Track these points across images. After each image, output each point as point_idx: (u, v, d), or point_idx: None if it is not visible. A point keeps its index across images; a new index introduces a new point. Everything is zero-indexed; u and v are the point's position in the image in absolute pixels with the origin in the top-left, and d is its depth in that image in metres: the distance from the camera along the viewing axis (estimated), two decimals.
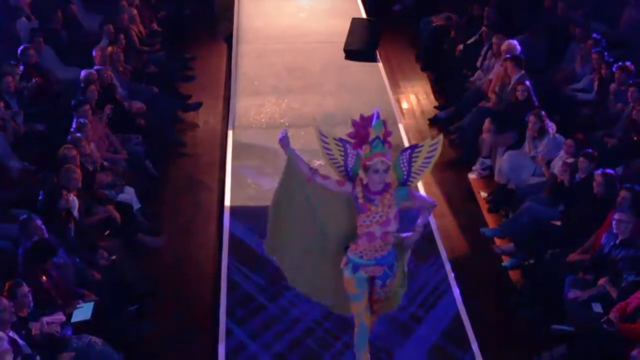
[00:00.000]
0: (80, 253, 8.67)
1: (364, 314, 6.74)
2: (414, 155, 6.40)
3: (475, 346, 7.95)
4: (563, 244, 9.01)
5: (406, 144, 10.98)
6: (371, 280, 6.71)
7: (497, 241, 9.97)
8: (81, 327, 7.71)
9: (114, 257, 8.78)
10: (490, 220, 10.45)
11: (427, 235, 9.83)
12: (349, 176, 6.47)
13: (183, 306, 8.86)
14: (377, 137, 6.20)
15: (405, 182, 6.47)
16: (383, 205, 6.33)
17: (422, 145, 6.43)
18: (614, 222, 8.41)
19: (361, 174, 6.39)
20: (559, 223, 9.41)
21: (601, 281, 8.30)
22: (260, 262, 9.02)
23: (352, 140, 6.36)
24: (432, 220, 10.11)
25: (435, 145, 6.41)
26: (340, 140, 6.42)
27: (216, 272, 9.23)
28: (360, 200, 6.33)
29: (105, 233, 9.26)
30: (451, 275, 8.97)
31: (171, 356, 8.10)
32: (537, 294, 8.67)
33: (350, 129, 6.38)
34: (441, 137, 6.45)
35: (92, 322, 7.78)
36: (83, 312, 7.84)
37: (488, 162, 11.31)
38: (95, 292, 8.14)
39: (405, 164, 6.43)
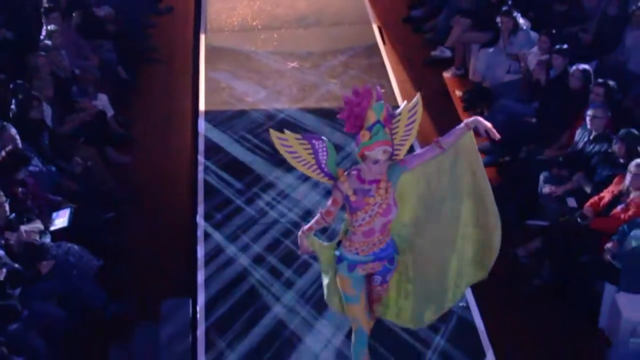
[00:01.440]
0: (55, 161, 8.58)
1: (363, 319, 5.73)
2: (392, 127, 5.33)
3: None
4: (538, 141, 9.00)
5: (381, 48, 10.82)
6: (368, 277, 5.69)
7: None
8: (60, 235, 7.67)
9: (89, 164, 8.68)
10: (466, 118, 10.40)
11: None
12: (328, 174, 5.40)
13: (161, 212, 8.83)
14: (378, 122, 5.12)
15: (390, 156, 5.33)
16: (379, 193, 5.31)
17: (399, 114, 5.40)
18: (587, 118, 8.39)
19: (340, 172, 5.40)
20: (533, 120, 9.39)
21: (575, 176, 8.33)
22: (236, 165, 8.98)
23: (344, 121, 5.26)
24: None
25: (414, 109, 5.40)
26: (304, 137, 5.34)
27: (193, 177, 9.18)
28: (352, 198, 5.31)
29: (80, 141, 9.14)
30: None
31: (152, 261, 8.09)
32: (512, 190, 8.69)
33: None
34: (418, 97, 5.39)
35: (70, 229, 7.74)
36: (61, 219, 7.79)
37: (448, 52, 11.32)
38: (71, 200, 8.08)
39: (388, 131, 5.40)
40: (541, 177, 8.51)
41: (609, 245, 7.33)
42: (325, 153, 5.33)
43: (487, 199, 5.67)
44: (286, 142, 5.31)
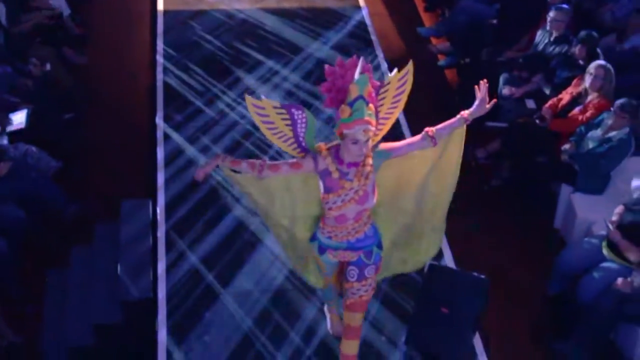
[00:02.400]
0: (11, 61, 8.36)
1: (333, 281, 5.50)
2: (379, 97, 4.77)
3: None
4: (499, 42, 8.94)
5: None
6: (343, 266, 5.26)
7: (434, 40, 9.85)
8: (17, 137, 7.53)
9: (47, 67, 8.47)
10: (427, 19, 10.30)
11: (363, 36, 9.73)
12: (305, 148, 4.85)
13: (120, 113, 8.67)
14: (360, 97, 4.49)
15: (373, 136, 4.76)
16: (359, 178, 4.74)
17: (388, 83, 4.78)
18: (548, 20, 8.32)
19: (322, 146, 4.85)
20: (495, 21, 9.30)
21: (535, 78, 8.32)
22: (196, 67, 8.83)
23: (325, 95, 4.70)
24: (368, 21, 9.96)
25: (404, 78, 4.80)
26: (283, 106, 4.73)
27: (152, 79, 9.02)
28: (334, 175, 4.74)
29: (36, 41, 8.90)
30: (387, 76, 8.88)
31: (110, 163, 8.00)
32: (471, 91, 8.64)
33: None
34: (410, 65, 4.80)
35: (27, 130, 7.60)
36: (18, 120, 7.64)
37: None
38: (28, 101, 7.90)
39: (373, 107, 4.74)
40: (501, 79, 8.48)
41: (566, 146, 7.36)
42: (304, 124, 4.74)
43: (445, 198, 5.22)
44: (262, 111, 4.68)
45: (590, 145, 7.21)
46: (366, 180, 4.73)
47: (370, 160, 4.72)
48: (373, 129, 4.55)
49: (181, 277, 6.65)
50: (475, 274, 6.07)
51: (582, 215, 7.08)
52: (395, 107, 4.85)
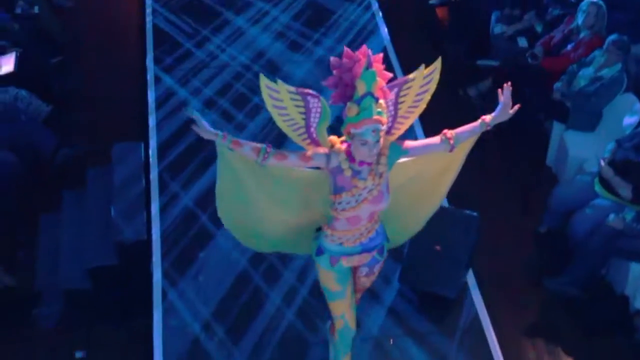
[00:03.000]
0: None
1: (348, 314, 4.83)
2: (401, 93, 4.33)
3: None
4: None
5: None
6: (354, 268, 4.84)
7: None
8: (6, 80, 7.44)
9: (35, 10, 8.35)
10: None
11: None
12: (315, 139, 4.37)
13: (110, 57, 8.57)
14: (369, 94, 4.08)
15: (388, 131, 4.40)
16: (373, 177, 4.32)
17: (413, 79, 4.32)
18: None
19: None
20: None
21: (527, 15, 8.23)
22: (185, 9, 8.72)
23: (332, 90, 4.24)
24: None
25: (430, 76, 4.34)
26: (298, 91, 4.21)
27: (141, 21, 8.89)
28: (347, 174, 4.29)
29: None
30: (379, 15, 8.81)
31: (101, 107, 7.92)
32: (463, 30, 8.57)
33: None
34: (438, 63, 4.33)
35: (17, 74, 7.50)
36: (7, 64, 7.54)
37: None
38: (17, 45, 7.78)
39: (390, 107, 4.35)
40: (493, 17, 8.39)
41: (558, 84, 7.31)
42: (318, 114, 4.27)
43: (442, 196, 4.91)
44: (276, 95, 4.19)
45: (582, 83, 7.16)
46: (380, 179, 4.31)
47: (384, 159, 4.29)
48: (384, 128, 4.12)
49: (175, 218, 6.63)
50: (467, 211, 6.05)
51: (574, 153, 7.06)
52: (415, 107, 4.38)
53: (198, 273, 6.19)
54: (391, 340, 4.82)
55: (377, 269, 4.83)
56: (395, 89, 4.27)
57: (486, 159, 7.26)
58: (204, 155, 7.14)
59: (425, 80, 4.32)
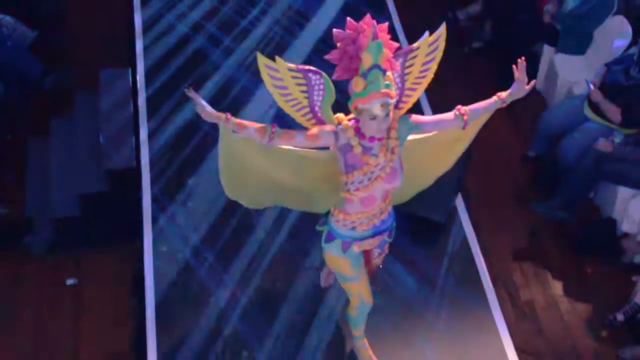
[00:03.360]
0: None
1: (366, 293, 4.68)
2: (407, 64, 4.09)
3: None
4: None
5: None
6: (365, 252, 4.60)
7: None
8: None
9: None
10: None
11: None
12: (320, 118, 4.14)
13: None
14: (376, 66, 3.80)
15: (396, 105, 4.14)
16: (385, 153, 4.05)
17: (417, 48, 4.07)
18: None
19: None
20: None
21: None
22: None
23: (335, 64, 3.90)
24: None
25: (435, 43, 4.08)
26: (299, 69, 3.98)
27: None
28: (357, 150, 4.02)
29: None
30: None
31: (87, 31, 7.79)
32: None
33: None
34: (443, 30, 4.08)
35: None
36: None
37: None
38: None
39: (397, 80, 4.11)
40: None
41: (548, 6, 7.19)
42: (321, 91, 4.04)
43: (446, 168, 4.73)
44: (275, 73, 3.95)
45: (572, 4, 7.05)
46: (392, 154, 4.05)
47: (394, 133, 4.02)
48: (392, 101, 3.86)
49: (163, 144, 6.57)
50: None
51: (563, 76, 7.00)
52: (423, 77, 4.15)
53: (187, 199, 6.16)
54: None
55: (386, 248, 4.67)
56: (400, 59, 4.02)
57: (475, 82, 7.19)
58: (192, 80, 7.04)
59: (430, 48, 4.07)
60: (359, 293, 4.64)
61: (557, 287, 6.05)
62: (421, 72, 4.12)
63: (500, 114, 6.92)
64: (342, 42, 3.82)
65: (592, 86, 6.24)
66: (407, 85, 4.13)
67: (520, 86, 4.12)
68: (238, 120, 3.95)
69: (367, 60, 3.77)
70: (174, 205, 6.11)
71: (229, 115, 3.92)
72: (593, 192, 6.48)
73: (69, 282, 5.92)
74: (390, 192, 4.24)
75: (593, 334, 5.78)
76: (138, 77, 7.06)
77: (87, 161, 6.28)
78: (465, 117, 4.07)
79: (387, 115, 3.85)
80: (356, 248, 4.39)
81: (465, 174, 6.03)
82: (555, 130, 6.50)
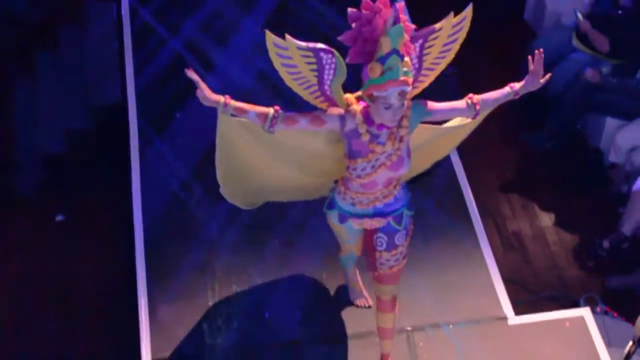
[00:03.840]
0: None
1: (357, 249, 4.46)
2: (427, 44, 3.73)
3: None
4: None
5: None
6: (370, 233, 4.24)
7: None
8: None
9: None
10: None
11: None
12: (330, 98, 3.80)
13: None
14: (394, 51, 3.48)
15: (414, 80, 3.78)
16: (393, 141, 3.77)
17: (440, 29, 3.70)
18: None
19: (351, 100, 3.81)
20: None
21: None
22: None
23: (349, 46, 3.61)
24: None
25: (460, 24, 3.73)
26: (309, 47, 3.62)
27: None
28: (364, 138, 3.74)
29: None
30: None
31: None
32: None
33: None
34: (469, 11, 3.72)
35: None
36: None
37: None
38: None
39: (414, 61, 3.75)
40: None
41: None
42: (332, 70, 3.70)
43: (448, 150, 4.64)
44: (284, 52, 3.64)
45: None
46: (400, 143, 3.77)
47: (406, 121, 3.72)
48: (410, 89, 3.57)
49: (150, 79, 6.46)
50: None
51: (551, 7, 6.92)
52: (442, 58, 3.81)
53: (176, 135, 6.08)
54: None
55: (400, 242, 4.16)
56: (420, 40, 3.68)
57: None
58: (179, 12, 6.90)
59: (454, 29, 3.72)
60: (350, 249, 4.47)
61: (544, 218, 6.05)
62: (441, 52, 3.78)
63: (490, 44, 6.92)
64: (357, 22, 3.52)
65: (580, 16, 6.16)
66: (425, 65, 3.79)
67: (535, 78, 3.84)
68: (238, 104, 3.69)
69: (385, 44, 3.45)
70: (162, 140, 6.04)
71: (228, 99, 3.69)
72: (580, 122, 6.45)
73: (58, 218, 5.88)
74: (396, 178, 3.96)
75: (579, 264, 5.80)
76: (123, 11, 6.91)
77: (74, 97, 6.21)
78: (478, 107, 3.85)
79: (403, 104, 3.58)
80: (355, 225, 4.15)
81: None
82: (544, 60, 6.42)
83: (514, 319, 5.03)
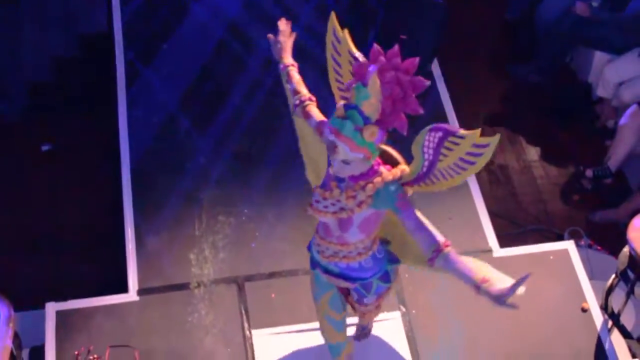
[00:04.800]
0: None
1: (325, 327, 3.99)
2: (446, 143, 3.16)
3: None
4: None
5: None
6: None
7: None
8: None
9: None
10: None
11: None
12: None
13: None
14: (354, 107, 3.05)
15: (418, 180, 3.30)
16: (348, 197, 3.27)
17: (464, 137, 3.11)
18: None
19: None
20: None
21: None
22: None
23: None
24: None
25: (483, 148, 3.10)
26: (355, 57, 3.28)
27: None
28: (331, 171, 3.32)
29: None
30: None
31: None
32: None
33: None
34: (496, 139, 3.07)
35: None
36: None
37: None
38: None
39: (430, 150, 3.22)
40: None
41: None
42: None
43: None
44: (338, 43, 3.44)
45: None
46: (357, 207, 3.27)
47: (370, 190, 3.22)
48: (352, 156, 3.09)
49: (137, 8, 6.32)
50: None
51: None
52: (456, 172, 3.23)
53: (162, 65, 5.97)
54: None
55: (369, 302, 3.80)
56: (441, 132, 3.17)
57: None
58: None
59: (474, 149, 3.13)
60: (320, 321, 3.99)
61: (530, 152, 6.01)
62: (456, 164, 3.21)
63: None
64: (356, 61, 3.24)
65: None
66: (441, 165, 3.24)
67: (500, 300, 3.07)
68: (292, 73, 3.50)
69: (351, 95, 3.09)
70: (149, 69, 5.93)
71: (290, 66, 3.48)
72: (569, 56, 6.37)
73: (45, 148, 5.79)
74: (355, 244, 3.45)
75: (565, 199, 5.78)
76: None
77: (60, 26, 6.08)
78: (436, 263, 3.23)
79: (348, 164, 3.13)
80: (321, 274, 3.71)
81: (441, 38, 5.86)
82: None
83: (498, 252, 5.03)
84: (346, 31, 3.42)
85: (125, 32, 6.14)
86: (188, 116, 5.68)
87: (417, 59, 3.06)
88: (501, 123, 6.09)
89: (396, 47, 3.06)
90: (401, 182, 3.29)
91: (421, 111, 3.12)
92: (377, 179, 3.22)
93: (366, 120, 3.06)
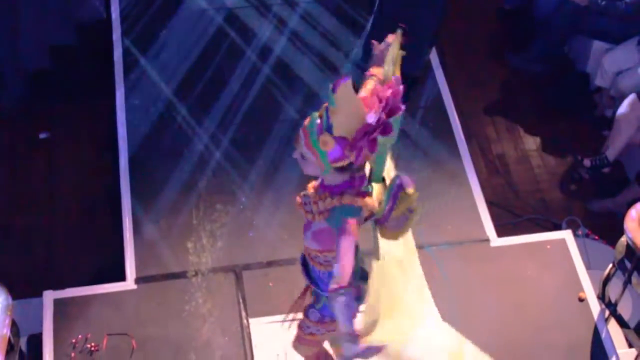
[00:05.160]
0: None
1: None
2: (398, 197, 3.17)
3: None
4: None
5: None
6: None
7: None
8: None
9: None
10: None
11: None
12: None
13: None
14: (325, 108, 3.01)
15: (382, 220, 3.21)
16: (314, 201, 3.24)
17: (406, 195, 3.12)
18: None
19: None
20: None
21: None
22: None
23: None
24: None
25: (410, 215, 3.17)
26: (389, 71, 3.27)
27: None
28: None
29: None
30: None
31: None
32: None
33: None
34: (416, 216, 3.17)
35: None
36: None
37: None
38: None
39: (391, 200, 3.19)
40: None
41: None
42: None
43: None
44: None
45: None
46: (316, 213, 3.24)
47: (327, 204, 3.17)
48: (305, 151, 3.07)
49: None
50: None
51: None
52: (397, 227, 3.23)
53: (160, 51, 5.93)
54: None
55: (310, 316, 3.71)
56: (397, 182, 3.19)
57: None
58: None
59: (406, 215, 3.19)
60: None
61: (528, 141, 5.99)
62: (398, 219, 3.22)
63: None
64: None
65: None
66: (394, 213, 3.21)
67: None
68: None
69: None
70: (146, 57, 5.90)
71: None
72: (567, 45, 6.34)
73: (42, 136, 5.76)
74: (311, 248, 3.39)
75: (562, 188, 5.77)
76: None
77: (58, 13, 6.03)
78: (330, 295, 3.01)
79: (306, 162, 3.11)
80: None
81: (440, 27, 5.83)
82: None
83: (496, 241, 5.02)
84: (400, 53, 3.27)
85: (123, 20, 6.11)
86: (186, 104, 5.65)
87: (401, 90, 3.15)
88: (499, 112, 6.07)
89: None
90: (374, 218, 3.22)
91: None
92: (337, 198, 3.14)
93: (329, 127, 2.98)
